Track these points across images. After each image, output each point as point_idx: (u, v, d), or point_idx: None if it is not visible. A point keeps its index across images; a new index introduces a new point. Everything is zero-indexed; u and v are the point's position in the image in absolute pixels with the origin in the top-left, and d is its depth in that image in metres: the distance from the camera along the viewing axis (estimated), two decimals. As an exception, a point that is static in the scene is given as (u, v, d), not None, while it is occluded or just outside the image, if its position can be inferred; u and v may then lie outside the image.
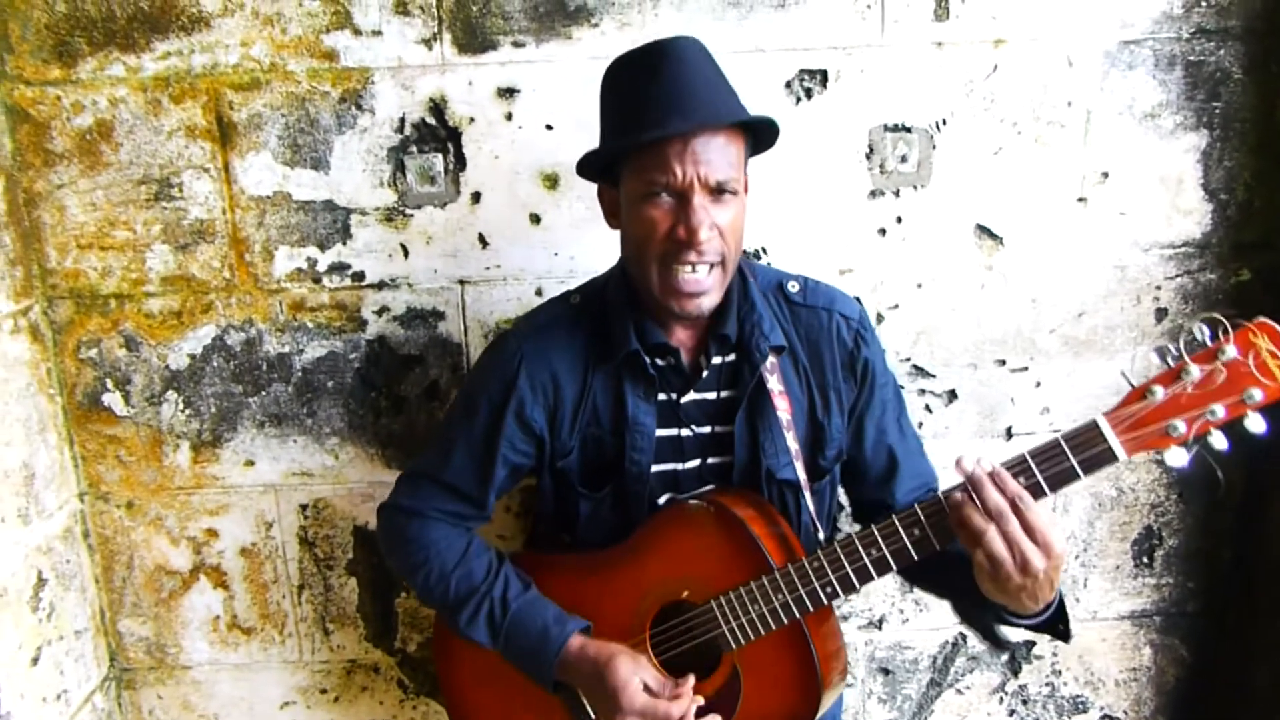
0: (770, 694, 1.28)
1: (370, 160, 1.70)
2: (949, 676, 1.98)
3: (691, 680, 1.27)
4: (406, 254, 1.74)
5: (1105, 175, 1.73)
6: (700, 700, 1.27)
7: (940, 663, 1.97)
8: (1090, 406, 1.82)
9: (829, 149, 1.70)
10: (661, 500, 1.37)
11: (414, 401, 1.81)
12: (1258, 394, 0.99)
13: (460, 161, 1.70)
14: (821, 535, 1.36)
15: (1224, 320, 1.00)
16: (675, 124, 1.15)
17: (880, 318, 1.78)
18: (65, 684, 1.77)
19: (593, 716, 1.33)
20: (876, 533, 1.17)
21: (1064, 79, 1.68)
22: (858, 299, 1.47)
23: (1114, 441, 1.04)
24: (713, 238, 1.19)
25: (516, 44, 1.65)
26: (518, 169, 1.70)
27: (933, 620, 1.93)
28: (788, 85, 1.68)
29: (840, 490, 1.48)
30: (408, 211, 1.72)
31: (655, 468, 1.35)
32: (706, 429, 1.35)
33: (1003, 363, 1.81)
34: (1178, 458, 1.02)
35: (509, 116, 1.68)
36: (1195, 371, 1.00)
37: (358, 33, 1.64)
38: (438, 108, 1.67)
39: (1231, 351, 0.99)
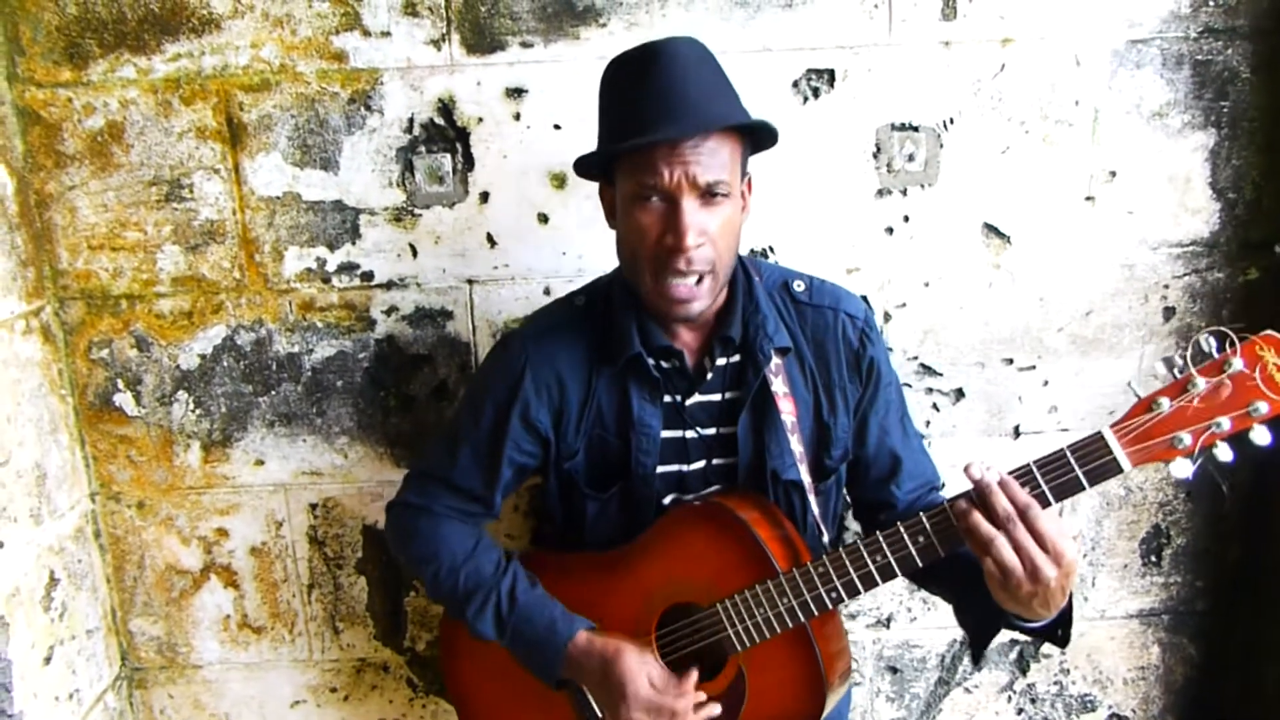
0: (775, 695, 1.28)
1: (379, 160, 1.70)
2: (957, 675, 1.98)
3: (694, 675, 1.27)
4: (415, 254, 1.75)
5: (1113, 174, 1.73)
6: (703, 696, 1.28)
7: (948, 661, 1.97)
8: (1098, 405, 1.83)
9: (836, 148, 1.71)
10: (667, 500, 1.37)
11: (423, 401, 1.82)
12: (1264, 407, 0.99)
13: (469, 161, 1.70)
14: (827, 537, 1.36)
15: (1231, 333, 1.00)
16: (663, 129, 1.14)
17: (888, 316, 1.78)
18: (77, 683, 1.78)
19: (598, 713, 1.33)
20: (882, 539, 1.18)
21: (1072, 78, 1.68)
22: (865, 298, 1.47)
23: (1119, 453, 1.05)
24: (702, 244, 1.18)
25: (525, 44, 1.66)
26: (526, 169, 1.70)
27: (941, 619, 1.93)
28: (795, 85, 1.68)
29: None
30: (416, 211, 1.73)
31: (660, 469, 1.35)
32: (711, 430, 1.35)
33: (1010, 361, 1.82)
34: (1183, 469, 1.03)
35: (517, 116, 1.68)
36: (1201, 384, 1.01)
37: (367, 34, 1.65)
38: (446, 108, 1.68)
39: (1238, 364, 0.99)
